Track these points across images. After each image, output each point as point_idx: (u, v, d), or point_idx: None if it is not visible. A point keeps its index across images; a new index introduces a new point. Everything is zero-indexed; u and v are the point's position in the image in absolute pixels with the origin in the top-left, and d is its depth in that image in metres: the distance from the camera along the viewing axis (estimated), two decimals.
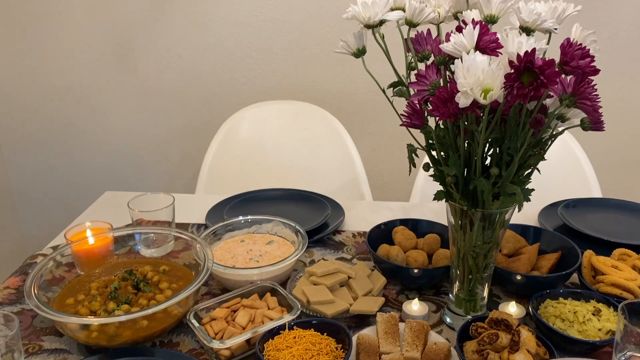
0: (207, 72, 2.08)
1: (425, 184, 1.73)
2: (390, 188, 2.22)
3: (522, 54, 0.70)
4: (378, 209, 1.49)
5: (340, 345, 0.91)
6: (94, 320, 0.87)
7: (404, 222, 1.23)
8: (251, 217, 1.23)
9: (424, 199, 1.71)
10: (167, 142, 2.21)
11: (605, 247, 1.18)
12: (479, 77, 0.73)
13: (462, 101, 0.74)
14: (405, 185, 2.20)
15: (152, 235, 1.18)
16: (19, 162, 2.27)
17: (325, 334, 0.93)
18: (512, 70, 0.72)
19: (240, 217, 1.23)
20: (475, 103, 0.75)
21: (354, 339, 0.92)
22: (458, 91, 0.75)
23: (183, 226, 1.37)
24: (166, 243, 1.20)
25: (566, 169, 1.70)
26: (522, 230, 1.19)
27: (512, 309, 1.01)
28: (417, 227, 1.22)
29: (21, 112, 2.19)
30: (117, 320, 0.87)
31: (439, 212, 1.43)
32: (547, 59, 0.71)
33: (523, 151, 0.80)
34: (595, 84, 0.74)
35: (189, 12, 2.02)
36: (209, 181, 1.82)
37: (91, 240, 1.11)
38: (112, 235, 1.14)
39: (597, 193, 1.67)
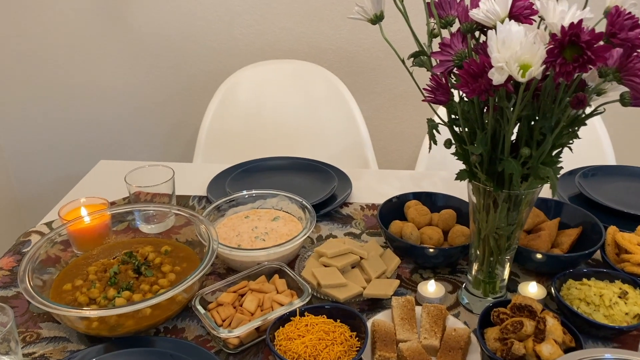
0: (201, 29, 1.97)
1: (432, 149, 1.66)
2: (394, 150, 2.15)
3: (565, 25, 0.62)
4: (386, 178, 1.43)
5: (354, 333, 0.86)
6: (93, 313, 0.81)
7: (417, 195, 1.17)
8: (255, 191, 1.16)
9: (431, 165, 1.64)
10: (161, 104, 2.11)
11: (626, 220, 1.14)
12: (516, 52, 0.65)
13: (497, 78, 0.66)
14: (409, 147, 2.14)
15: (151, 210, 1.12)
16: (7, 124, 2.17)
17: (338, 320, 0.88)
18: (553, 45, 0.64)
19: (245, 192, 1.16)
20: (509, 79, 0.67)
21: (369, 325, 0.87)
22: (490, 66, 0.67)
23: (183, 198, 1.30)
24: (167, 218, 1.14)
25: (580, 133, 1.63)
26: (541, 203, 1.14)
27: (532, 289, 0.97)
28: (431, 200, 1.16)
29: (4, 71, 2.07)
30: (119, 312, 0.81)
31: (451, 182, 1.37)
32: (588, 30, 0.64)
33: (558, 130, 0.73)
34: None
35: None
36: (207, 147, 1.75)
37: (87, 220, 1.04)
38: (110, 213, 1.08)
39: (611, 159, 1.61)
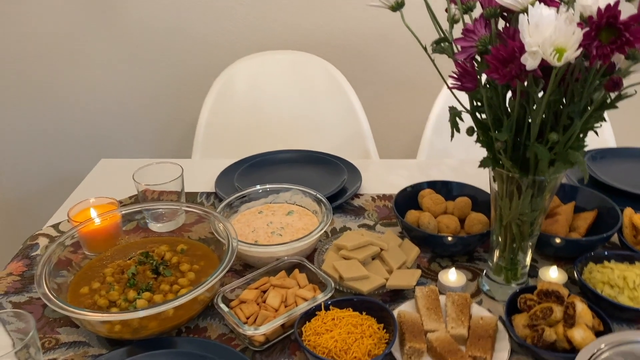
0: (192, 22, 1.93)
1: (433, 136, 1.65)
2: (392, 138, 2.14)
3: (601, 7, 0.62)
4: (393, 168, 1.42)
5: (381, 325, 0.85)
6: (118, 317, 0.79)
7: (432, 184, 1.16)
8: (269, 186, 1.14)
9: (432, 153, 1.64)
10: (154, 100, 2.07)
11: (635, 201, 1.14)
12: (550, 35, 0.64)
13: (530, 63, 0.65)
14: (407, 135, 2.13)
15: (163, 209, 1.09)
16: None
17: (364, 312, 0.87)
18: (589, 27, 0.63)
19: (258, 187, 1.14)
20: (540, 64, 0.66)
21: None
22: (520, 51, 0.66)
23: (191, 195, 1.28)
24: (177, 216, 1.12)
25: None
26: None
27: (553, 274, 0.97)
28: (445, 189, 1.15)
29: None
30: (143, 314, 0.79)
31: (459, 170, 1.37)
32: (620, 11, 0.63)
33: (588, 114, 0.73)
34: None
35: None
36: (206, 142, 1.72)
37: (98, 221, 1.02)
38: (121, 213, 1.05)
39: (611, 140, 1.61)
